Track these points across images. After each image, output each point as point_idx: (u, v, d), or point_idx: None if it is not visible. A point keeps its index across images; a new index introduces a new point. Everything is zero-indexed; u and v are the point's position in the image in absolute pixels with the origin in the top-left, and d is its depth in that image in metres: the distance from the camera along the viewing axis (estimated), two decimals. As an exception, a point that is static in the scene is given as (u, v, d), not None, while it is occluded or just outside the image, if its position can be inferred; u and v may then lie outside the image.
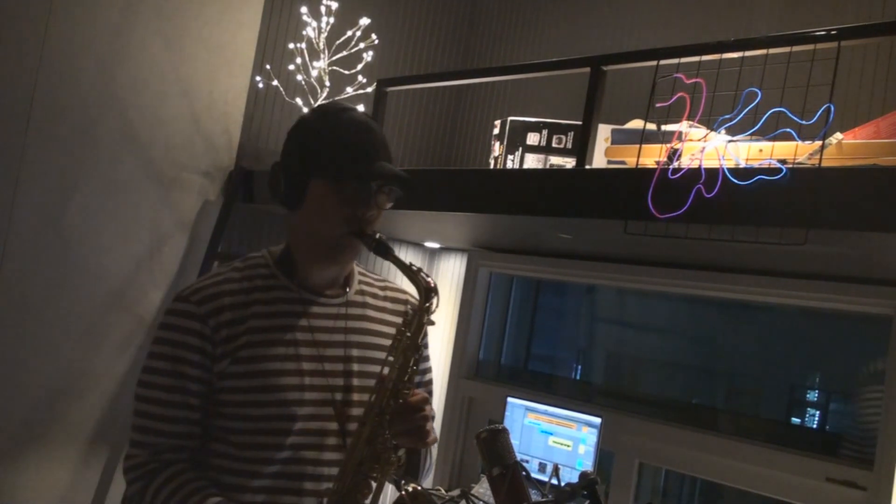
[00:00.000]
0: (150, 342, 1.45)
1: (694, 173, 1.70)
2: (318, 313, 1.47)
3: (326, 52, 2.98)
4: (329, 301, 1.49)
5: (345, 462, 1.37)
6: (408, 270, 1.41)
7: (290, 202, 1.44)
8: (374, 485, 1.37)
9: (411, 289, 1.50)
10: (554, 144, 2.47)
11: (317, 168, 1.41)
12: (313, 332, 1.45)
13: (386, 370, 1.41)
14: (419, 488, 1.41)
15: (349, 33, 2.97)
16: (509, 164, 2.51)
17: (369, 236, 1.40)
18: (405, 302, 1.60)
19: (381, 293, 1.59)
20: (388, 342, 1.45)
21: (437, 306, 1.43)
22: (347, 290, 1.53)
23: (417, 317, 1.41)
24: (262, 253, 1.52)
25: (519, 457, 1.46)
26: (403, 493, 1.40)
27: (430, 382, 1.64)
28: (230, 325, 1.39)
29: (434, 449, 1.55)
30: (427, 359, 1.61)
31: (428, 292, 1.41)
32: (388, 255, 1.40)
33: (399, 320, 1.50)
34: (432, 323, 1.43)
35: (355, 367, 1.47)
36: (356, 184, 1.40)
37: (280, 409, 1.39)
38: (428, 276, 1.43)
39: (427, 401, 1.42)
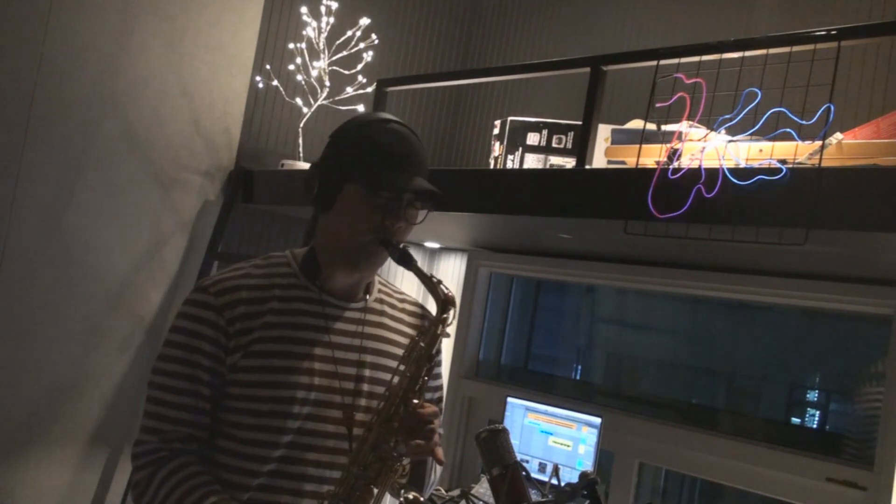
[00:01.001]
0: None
1: (694, 173, 1.70)
2: (336, 316, 1.48)
3: (326, 52, 2.98)
4: (348, 306, 1.50)
5: (347, 466, 1.38)
6: (428, 281, 1.43)
7: (323, 203, 1.46)
8: (375, 491, 1.37)
9: (426, 302, 1.50)
10: (554, 144, 2.47)
11: (353, 172, 1.42)
12: (329, 334, 1.46)
13: (396, 379, 1.41)
14: (419, 497, 1.41)
15: (349, 33, 2.98)
16: (509, 164, 2.51)
17: (394, 246, 1.41)
18: (422, 316, 1.61)
19: (398, 304, 1.60)
20: (401, 352, 1.46)
21: (454, 318, 1.44)
22: (367, 297, 1.54)
23: (433, 328, 1.43)
24: (285, 253, 1.53)
25: (519, 457, 1.46)
26: (402, 500, 1.40)
27: (440, 400, 1.63)
28: (245, 318, 1.40)
29: (438, 466, 1.54)
30: (439, 376, 1.61)
31: (445, 304, 1.42)
32: (411, 266, 1.42)
33: (414, 333, 1.51)
34: (447, 335, 1.44)
35: (367, 373, 1.48)
36: (389, 194, 1.41)
37: (284, 407, 1.39)
38: (447, 288, 1.44)
39: (437, 415, 1.42)
